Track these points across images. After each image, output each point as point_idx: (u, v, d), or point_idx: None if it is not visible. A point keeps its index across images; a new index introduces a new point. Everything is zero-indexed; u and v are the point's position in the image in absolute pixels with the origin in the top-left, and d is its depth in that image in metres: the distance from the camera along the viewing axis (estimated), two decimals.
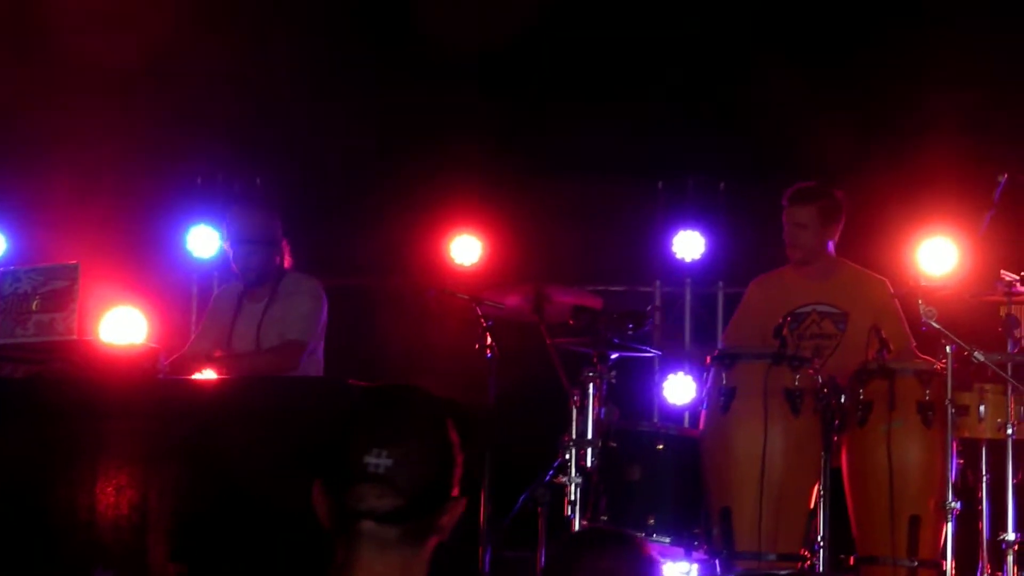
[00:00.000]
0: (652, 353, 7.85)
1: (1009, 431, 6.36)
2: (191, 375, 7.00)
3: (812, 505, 6.51)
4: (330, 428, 2.95)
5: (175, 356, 7.21)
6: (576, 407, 6.64)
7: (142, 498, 6.02)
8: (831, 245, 7.37)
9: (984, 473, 6.54)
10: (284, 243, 7.51)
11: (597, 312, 7.01)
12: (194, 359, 7.22)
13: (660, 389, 9.57)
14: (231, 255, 7.50)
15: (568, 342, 6.93)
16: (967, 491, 6.50)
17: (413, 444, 2.93)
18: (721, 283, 9.89)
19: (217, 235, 7.33)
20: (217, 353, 7.31)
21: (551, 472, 6.64)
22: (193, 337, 7.71)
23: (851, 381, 6.57)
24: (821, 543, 6.48)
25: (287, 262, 7.51)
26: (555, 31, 9.49)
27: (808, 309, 7.32)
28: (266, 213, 7.60)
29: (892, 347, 6.59)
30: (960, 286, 6.84)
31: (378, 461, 2.88)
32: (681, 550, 6.64)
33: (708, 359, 6.75)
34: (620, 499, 6.72)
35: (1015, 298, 6.47)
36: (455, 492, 2.99)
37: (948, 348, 6.33)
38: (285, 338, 7.32)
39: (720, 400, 6.55)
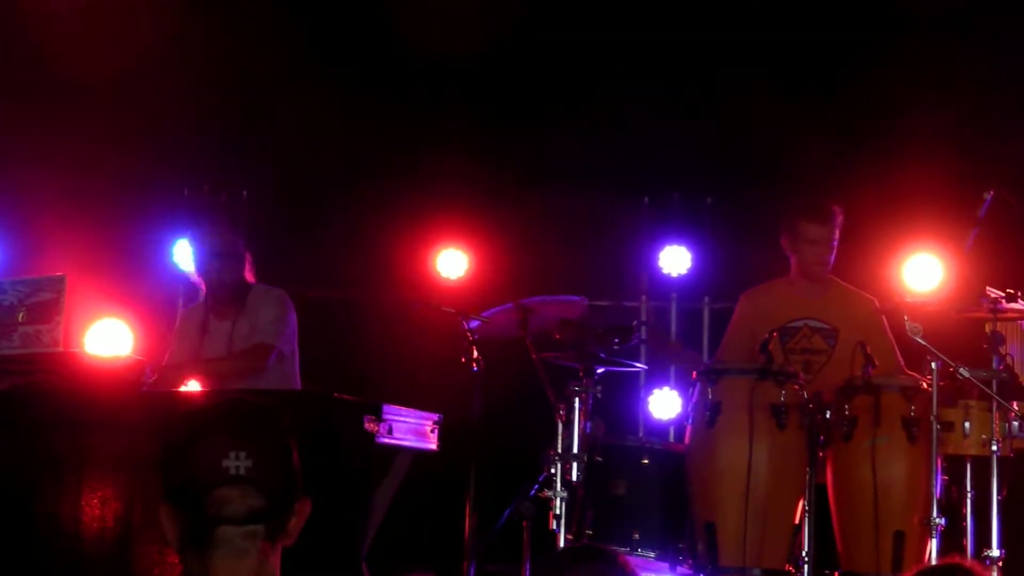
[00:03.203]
0: (638, 368, 7.85)
1: (994, 447, 6.38)
2: (173, 388, 7.00)
3: (797, 520, 6.52)
4: (171, 441, 2.97)
5: (156, 375, 7.19)
6: (562, 421, 6.64)
7: (127, 510, 6.00)
8: None
9: (969, 489, 6.55)
10: (248, 257, 7.52)
11: (583, 326, 7.01)
12: (167, 375, 7.21)
13: (645, 404, 9.58)
14: (202, 272, 7.49)
15: (554, 356, 6.93)
16: (952, 507, 6.51)
17: (267, 444, 2.95)
18: (707, 298, 9.89)
19: (188, 254, 7.40)
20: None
21: (536, 486, 6.64)
22: (166, 357, 7.68)
23: (836, 396, 6.58)
24: (806, 558, 6.49)
25: (250, 277, 7.52)
26: (542, 45, 9.50)
27: (799, 323, 7.34)
28: (231, 228, 7.63)
29: (877, 363, 6.61)
30: (945, 302, 6.86)
31: (237, 463, 2.90)
32: (666, 565, 6.64)
33: (694, 374, 6.76)
34: (605, 513, 6.72)
35: (1000, 315, 6.49)
36: (300, 496, 3.01)
37: (933, 364, 6.35)
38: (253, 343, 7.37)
39: (705, 415, 6.57)
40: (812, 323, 7.34)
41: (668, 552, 6.65)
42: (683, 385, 8.89)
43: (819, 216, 7.32)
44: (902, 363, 7.19)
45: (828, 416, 6.57)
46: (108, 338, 9.16)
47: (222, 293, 7.47)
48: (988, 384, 6.40)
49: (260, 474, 2.91)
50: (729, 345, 7.51)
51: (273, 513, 2.93)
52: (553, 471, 6.60)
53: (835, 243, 7.35)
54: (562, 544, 6.53)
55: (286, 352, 7.42)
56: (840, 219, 7.35)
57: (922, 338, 6.33)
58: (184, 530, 2.94)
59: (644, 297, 9.98)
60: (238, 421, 2.99)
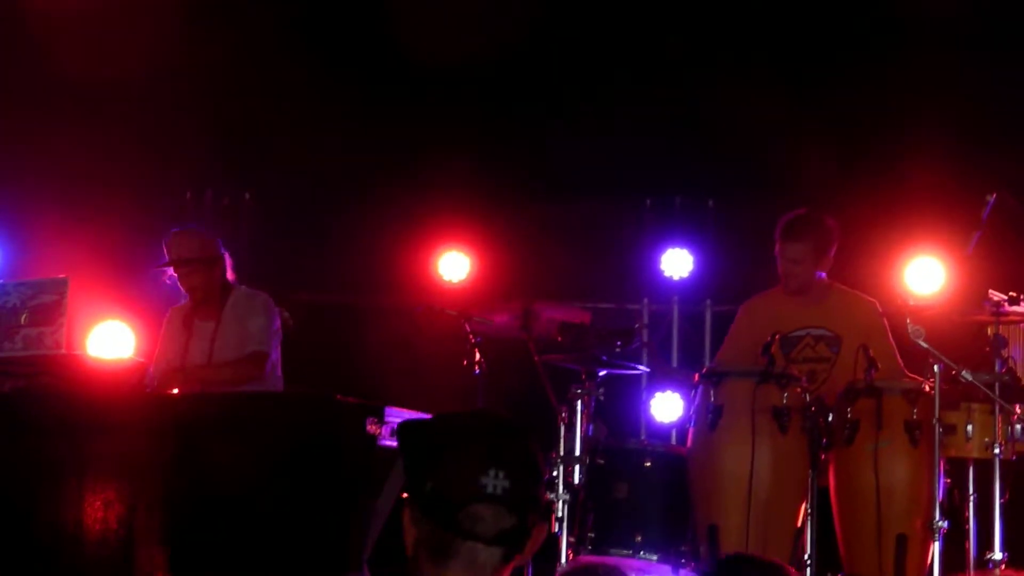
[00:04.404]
0: (640, 370, 7.85)
1: (996, 450, 6.38)
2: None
3: (799, 523, 6.51)
4: (425, 448, 2.96)
5: (153, 380, 7.18)
6: (564, 424, 6.64)
7: (130, 512, 6.00)
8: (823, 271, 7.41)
9: (971, 492, 6.55)
10: (226, 259, 7.48)
11: (585, 329, 7.01)
12: (164, 378, 7.21)
13: (647, 407, 9.58)
14: (176, 278, 7.45)
15: (556, 359, 6.94)
16: (954, 510, 6.51)
17: (523, 464, 2.97)
18: (709, 301, 9.90)
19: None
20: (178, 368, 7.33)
21: None
22: (154, 359, 7.65)
23: (839, 400, 6.58)
24: (808, 561, 6.49)
25: (230, 276, 7.49)
26: (544, 49, 9.51)
27: (802, 333, 7.32)
28: (199, 233, 7.55)
29: (880, 366, 6.60)
30: (948, 306, 6.85)
31: (496, 482, 2.92)
32: (668, 567, 6.64)
33: (696, 377, 6.76)
34: (607, 516, 6.72)
35: (1003, 318, 6.49)
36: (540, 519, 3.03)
37: (936, 367, 6.34)
38: (245, 351, 7.34)
39: (708, 418, 6.56)
40: (815, 331, 7.32)
41: (670, 555, 6.65)
42: (685, 388, 8.89)
43: (789, 234, 7.29)
44: (902, 366, 7.19)
45: (830, 419, 6.57)
46: (111, 341, 9.16)
47: (195, 296, 7.45)
48: (990, 387, 6.39)
49: (515, 494, 2.93)
50: (726, 353, 7.50)
51: (520, 534, 2.95)
52: (555, 474, 6.60)
53: (810, 260, 7.29)
54: (564, 547, 6.53)
55: (275, 358, 7.42)
56: (822, 236, 7.28)
57: (924, 341, 6.33)
58: (426, 538, 2.94)
59: (646, 300, 9.99)
60: (496, 438, 2.99)
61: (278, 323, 7.44)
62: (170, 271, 7.44)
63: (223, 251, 7.47)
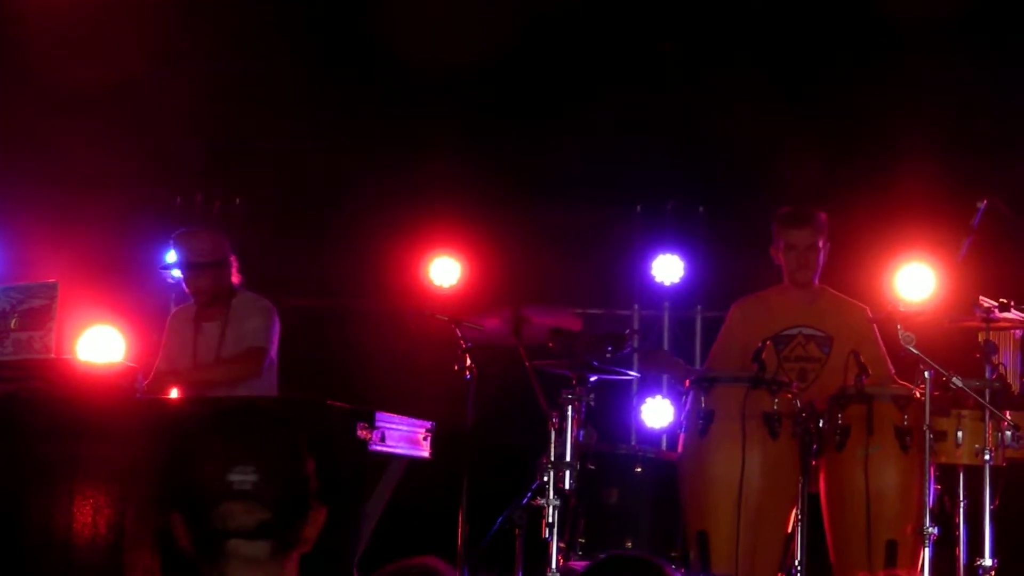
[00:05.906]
0: (631, 376, 7.85)
1: (986, 457, 6.38)
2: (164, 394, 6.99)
3: (789, 529, 6.52)
4: (180, 453, 2.98)
5: (147, 380, 7.18)
6: (554, 429, 6.62)
7: (119, 517, 5.99)
8: None
9: (961, 499, 6.56)
10: (232, 261, 7.51)
11: (576, 334, 7.01)
12: (161, 380, 7.22)
13: (638, 412, 9.58)
14: (183, 279, 7.49)
15: (547, 364, 6.93)
16: (944, 516, 6.52)
17: (274, 456, 2.98)
18: (699, 307, 9.90)
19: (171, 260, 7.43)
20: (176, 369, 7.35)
21: (529, 494, 6.63)
22: (158, 361, 7.67)
23: (829, 405, 6.58)
24: (798, 567, 6.50)
25: (236, 279, 7.51)
26: (536, 55, 9.51)
27: (794, 331, 7.34)
28: (211, 235, 7.60)
29: (871, 372, 6.61)
30: (938, 312, 6.85)
31: (243, 478, 2.92)
32: None
33: (687, 383, 6.76)
34: (598, 522, 6.72)
35: (993, 324, 6.49)
36: (313, 503, 3.03)
37: (926, 374, 6.35)
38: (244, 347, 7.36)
39: (698, 423, 6.57)
40: (807, 331, 7.34)
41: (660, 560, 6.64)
42: (675, 394, 8.89)
43: (797, 221, 7.33)
44: (893, 372, 7.20)
45: (821, 425, 6.58)
46: (100, 345, 9.15)
47: (202, 299, 7.48)
48: (981, 394, 6.40)
49: (266, 488, 2.93)
50: (718, 354, 7.51)
51: (283, 525, 2.94)
52: (546, 479, 6.58)
53: (819, 248, 7.34)
54: (554, 552, 6.52)
55: (273, 358, 7.43)
56: (823, 223, 7.34)
57: (915, 347, 6.33)
58: (195, 541, 2.95)
59: (637, 306, 9.99)
60: (245, 432, 3.00)
61: (278, 327, 7.46)
62: (178, 272, 7.47)
63: (230, 253, 7.50)
